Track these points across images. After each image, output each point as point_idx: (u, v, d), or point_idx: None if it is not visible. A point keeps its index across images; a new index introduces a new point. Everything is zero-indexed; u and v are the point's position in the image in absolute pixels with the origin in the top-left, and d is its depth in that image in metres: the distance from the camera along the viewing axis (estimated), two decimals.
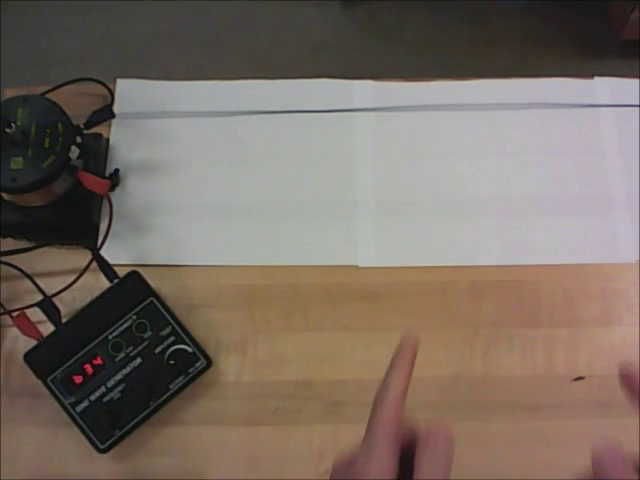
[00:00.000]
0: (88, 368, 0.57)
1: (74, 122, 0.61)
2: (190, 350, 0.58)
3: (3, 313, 0.60)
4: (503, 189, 0.68)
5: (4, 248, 0.62)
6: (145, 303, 0.59)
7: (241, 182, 0.68)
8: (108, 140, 0.69)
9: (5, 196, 0.63)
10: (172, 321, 0.59)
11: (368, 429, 0.38)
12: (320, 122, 0.71)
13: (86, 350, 0.57)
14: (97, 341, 0.57)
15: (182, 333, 0.59)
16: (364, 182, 0.68)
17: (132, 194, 0.67)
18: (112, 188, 0.67)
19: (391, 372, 0.37)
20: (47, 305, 0.58)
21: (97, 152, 0.67)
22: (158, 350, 0.58)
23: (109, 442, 0.56)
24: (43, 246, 0.64)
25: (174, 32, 1.62)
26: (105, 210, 0.65)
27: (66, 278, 0.60)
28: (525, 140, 0.70)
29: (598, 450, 0.34)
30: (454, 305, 0.64)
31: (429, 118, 0.71)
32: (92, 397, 0.56)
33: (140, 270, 0.60)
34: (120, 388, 0.57)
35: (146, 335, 0.58)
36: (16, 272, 0.62)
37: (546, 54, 1.59)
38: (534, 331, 0.63)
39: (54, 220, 0.64)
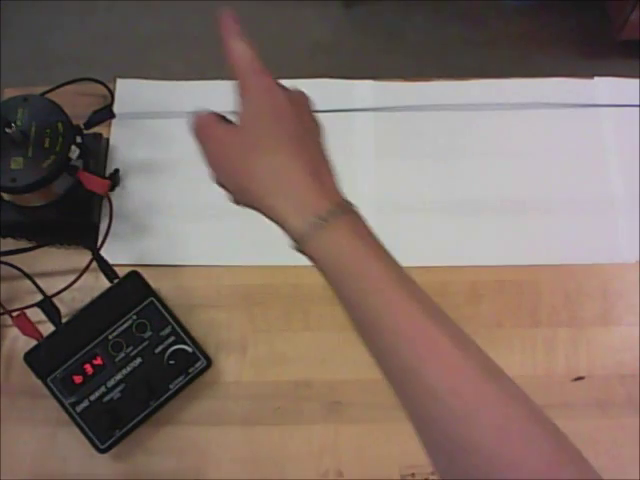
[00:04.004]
0: (88, 368, 0.57)
1: (74, 122, 0.61)
2: (190, 350, 0.58)
3: (3, 313, 0.60)
4: (503, 189, 0.68)
5: (4, 248, 0.62)
6: (145, 303, 0.59)
7: None
8: (108, 140, 0.69)
9: (5, 196, 0.62)
10: (172, 321, 0.59)
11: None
12: None
13: (86, 350, 0.57)
14: (97, 341, 0.57)
15: (182, 333, 0.59)
16: (364, 182, 0.68)
17: (132, 194, 0.67)
18: (112, 188, 0.67)
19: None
20: (47, 305, 0.58)
21: (97, 152, 0.67)
22: (158, 350, 0.58)
23: (109, 442, 0.56)
24: (43, 246, 0.64)
25: (174, 32, 1.62)
26: (105, 210, 0.65)
27: (66, 278, 0.60)
28: (525, 140, 0.70)
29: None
30: (454, 305, 0.64)
31: (429, 118, 0.71)
32: (92, 397, 0.56)
33: (140, 270, 0.60)
34: (120, 388, 0.57)
35: (146, 335, 0.58)
36: (16, 272, 0.62)
37: (546, 54, 1.59)
38: (534, 331, 0.63)
39: (54, 220, 0.64)
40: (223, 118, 0.41)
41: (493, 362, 0.35)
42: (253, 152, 0.38)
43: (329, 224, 0.37)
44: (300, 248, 0.39)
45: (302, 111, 0.41)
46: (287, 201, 0.38)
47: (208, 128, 0.41)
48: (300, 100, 0.41)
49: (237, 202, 0.41)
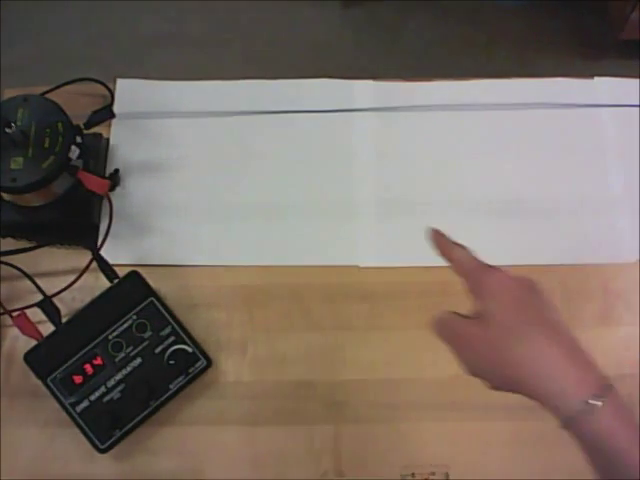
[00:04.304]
0: (88, 368, 0.57)
1: (74, 122, 0.61)
2: (190, 350, 0.58)
3: (3, 313, 0.60)
4: (503, 189, 0.68)
5: (4, 248, 0.62)
6: (145, 303, 0.59)
7: (241, 182, 0.68)
8: (108, 140, 0.69)
9: (5, 196, 0.62)
10: (172, 321, 0.59)
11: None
12: (320, 122, 0.71)
13: (86, 350, 0.57)
14: (97, 341, 0.57)
15: (182, 333, 0.59)
16: (364, 182, 0.68)
17: (132, 194, 0.67)
18: (112, 188, 0.67)
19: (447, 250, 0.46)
20: (47, 305, 0.58)
21: (97, 152, 0.67)
22: (158, 350, 0.58)
23: (109, 442, 0.56)
24: (43, 246, 0.64)
25: (174, 32, 1.62)
26: (105, 210, 0.65)
27: (66, 278, 0.60)
28: (525, 140, 0.70)
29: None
30: (454, 305, 0.63)
31: (429, 118, 0.71)
32: (92, 397, 0.56)
33: (140, 270, 0.60)
34: (120, 388, 0.57)
35: (146, 335, 0.58)
36: (16, 272, 0.62)
37: (546, 54, 1.59)
38: None
39: (54, 220, 0.64)
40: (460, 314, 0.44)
41: None
42: (509, 343, 0.40)
43: (596, 408, 0.38)
44: (565, 427, 0.40)
45: (538, 295, 0.43)
46: (551, 385, 0.39)
47: (457, 328, 0.43)
48: (532, 285, 0.43)
49: (495, 388, 0.43)
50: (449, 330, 0.44)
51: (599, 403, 0.38)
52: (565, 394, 0.38)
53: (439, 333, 0.44)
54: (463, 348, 0.43)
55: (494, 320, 0.41)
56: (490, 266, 0.44)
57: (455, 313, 0.44)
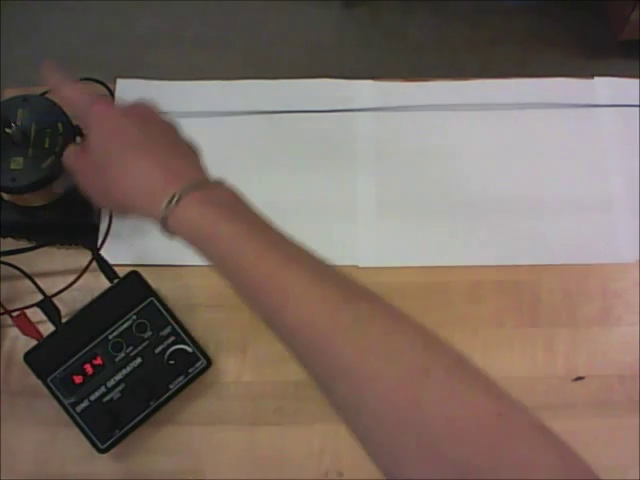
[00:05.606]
0: (88, 368, 0.57)
1: (74, 122, 0.61)
2: (190, 350, 0.58)
3: (3, 313, 0.60)
4: (503, 189, 0.68)
5: (4, 248, 0.62)
6: (145, 303, 0.59)
7: (240, 182, 0.68)
8: None
9: (5, 196, 0.62)
10: (172, 321, 0.59)
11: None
12: (320, 122, 0.71)
13: (86, 350, 0.57)
14: (97, 341, 0.57)
15: (182, 333, 0.59)
16: (364, 182, 0.68)
17: None
18: None
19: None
20: (47, 305, 0.58)
21: None
22: (158, 350, 0.58)
23: (109, 442, 0.56)
24: (43, 246, 0.64)
25: (174, 32, 1.62)
26: (105, 210, 0.65)
27: (66, 278, 0.60)
28: (525, 140, 0.70)
29: None
30: (454, 305, 0.64)
31: (429, 118, 0.71)
32: (92, 397, 0.56)
33: (140, 270, 0.60)
34: (120, 388, 0.57)
35: (146, 335, 0.58)
36: (16, 272, 0.62)
37: (546, 54, 1.59)
38: (534, 331, 0.63)
39: (54, 220, 0.64)
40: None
41: (355, 285, 0.40)
42: (106, 166, 0.45)
43: (178, 203, 0.41)
44: (165, 231, 0.44)
45: (142, 120, 0.46)
46: (142, 197, 0.43)
47: (72, 157, 0.49)
48: (139, 111, 0.47)
49: (111, 209, 0.50)
50: (69, 160, 0.49)
51: (179, 198, 0.41)
52: (152, 199, 0.42)
53: (65, 164, 0.49)
54: (79, 175, 0.48)
55: (95, 147, 0.45)
56: (97, 98, 0.48)
57: (75, 144, 0.49)
